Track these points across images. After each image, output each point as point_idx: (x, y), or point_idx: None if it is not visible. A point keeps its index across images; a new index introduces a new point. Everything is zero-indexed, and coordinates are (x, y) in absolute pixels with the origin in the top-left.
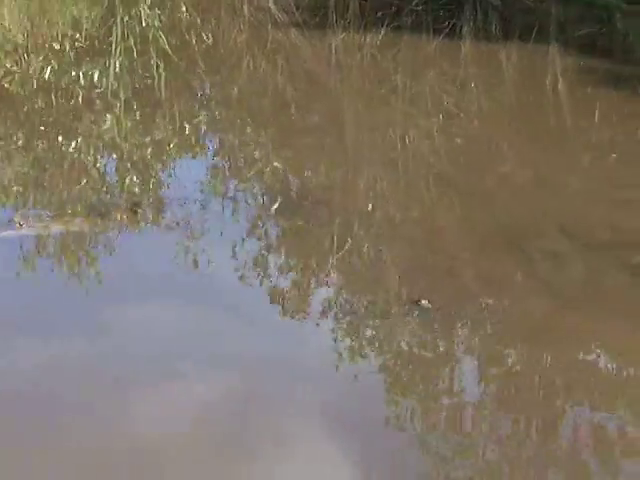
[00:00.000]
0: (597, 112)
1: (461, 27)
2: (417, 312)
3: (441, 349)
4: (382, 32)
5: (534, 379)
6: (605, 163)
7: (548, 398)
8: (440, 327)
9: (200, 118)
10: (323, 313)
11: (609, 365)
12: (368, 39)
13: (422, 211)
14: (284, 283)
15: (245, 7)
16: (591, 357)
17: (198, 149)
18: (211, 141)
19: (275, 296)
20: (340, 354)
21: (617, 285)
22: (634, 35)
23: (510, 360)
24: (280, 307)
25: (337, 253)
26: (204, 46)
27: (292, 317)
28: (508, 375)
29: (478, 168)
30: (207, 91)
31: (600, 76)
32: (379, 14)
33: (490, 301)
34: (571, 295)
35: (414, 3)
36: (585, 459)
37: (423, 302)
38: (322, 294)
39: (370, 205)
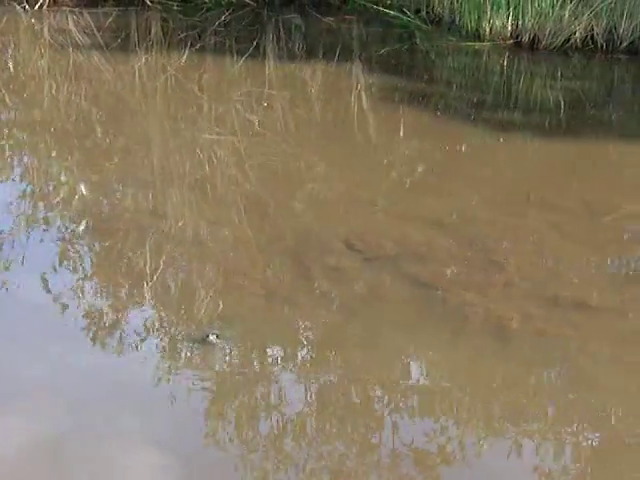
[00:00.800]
0: (402, 128)
1: (264, 47)
2: (206, 345)
3: (229, 377)
4: (186, 53)
5: (331, 392)
6: (406, 178)
7: (347, 409)
8: (229, 357)
9: (3, 144)
10: (115, 346)
11: (394, 372)
12: (172, 61)
13: (226, 232)
14: (91, 310)
15: (45, 29)
16: (374, 365)
17: (2, 176)
18: (16, 167)
19: (81, 323)
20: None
21: (395, 295)
22: (434, 54)
23: (289, 376)
24: (85, 335)
25: (141, 279)
26: (4, 71)
27: (92, 346)
28: (303, 390)
29: (283, 187)
30: (10, 116)
31: (403, 93)
32: (182, 35)
33: (276, 320)
34: (352, 308)
35: (217, 24)
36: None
37: (211, 337)
38: (119, 325)
39: (175, 227)
